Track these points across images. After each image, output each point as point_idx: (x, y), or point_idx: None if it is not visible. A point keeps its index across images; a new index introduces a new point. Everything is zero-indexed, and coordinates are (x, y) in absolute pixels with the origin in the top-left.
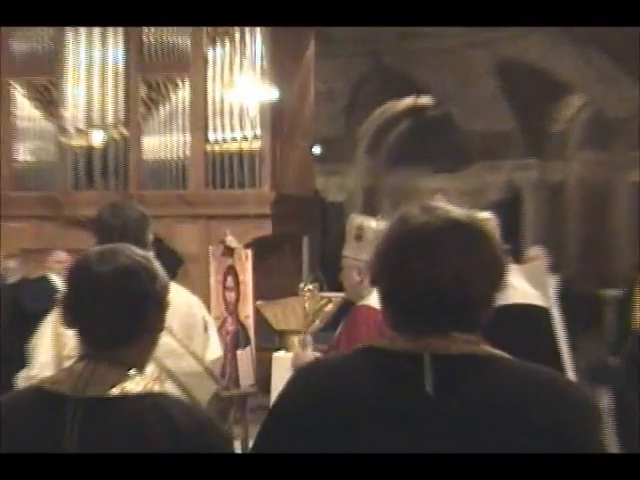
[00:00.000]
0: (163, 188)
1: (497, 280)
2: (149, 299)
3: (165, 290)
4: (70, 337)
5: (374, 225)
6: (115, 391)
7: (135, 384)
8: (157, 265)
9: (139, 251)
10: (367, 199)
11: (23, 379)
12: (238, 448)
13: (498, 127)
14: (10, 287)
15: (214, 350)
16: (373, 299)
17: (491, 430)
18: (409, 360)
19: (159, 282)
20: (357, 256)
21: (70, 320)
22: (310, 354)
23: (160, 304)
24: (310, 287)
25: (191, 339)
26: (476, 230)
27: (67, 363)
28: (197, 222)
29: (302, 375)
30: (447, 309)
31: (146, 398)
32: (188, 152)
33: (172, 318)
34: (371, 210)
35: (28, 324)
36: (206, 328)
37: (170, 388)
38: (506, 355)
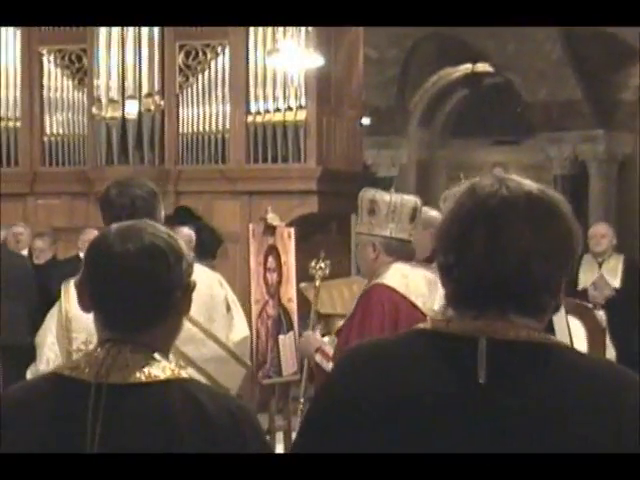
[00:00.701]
0: (201, 163)
1: (566, 263)
2: (175, 279)
3: (190, 269)
4: (80, 330)
5: (387, 198)
6: (140, 377)
7: (161, 370)
8: (182, 243)
9: (163, 228)
10: (420, 174)
11: (31, 374)
12: (280, 441)
13: (562, 96)
14: (39, 268)
15: (240, 330)
16: (389, 277)
17: (548, 424)
18: (464, 344)
19: (185, 261)
20: (371, 231)
21: (90, 303)
22: (319, 337)
23: (187, 284)
24: (322, 265)
25: (212, 322)
26: (549, 206)
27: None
28: (238, 199)
29: (349, 361)
30: (508, 289)
31: (173, 384)
32: (228, 124)
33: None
34: (425, 185)
35: None
36: (229, 308)
37: (192, 375)
38: (568, 345)
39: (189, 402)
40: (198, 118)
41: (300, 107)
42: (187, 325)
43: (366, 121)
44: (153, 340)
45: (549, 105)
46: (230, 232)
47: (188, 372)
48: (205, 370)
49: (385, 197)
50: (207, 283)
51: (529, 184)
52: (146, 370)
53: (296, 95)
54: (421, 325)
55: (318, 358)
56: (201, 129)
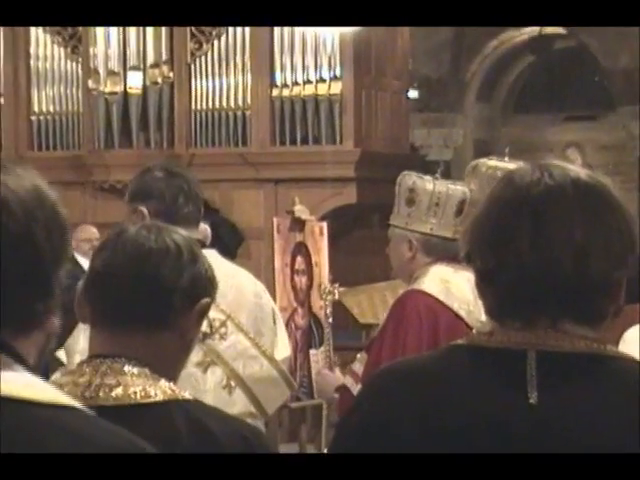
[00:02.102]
0: (218, 145)
1: (626, 259)
2: (175, 290)
3: (200, 281)
4: (265, 338)
5: (430, 187)
6: (134, 397)
7: (159, 389)
8: (196, 249)
9: (181, 231)
10: (480, 157)
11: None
12: None
13: None
14: None
15: (283, 349)
16: (427, 282)
17: (610, 451)
18: (510, 359)
19: (195, 269)
20: (408, 225)
21: (86, 312)
22: (339, 376)
23: (194, 298)
24: (330, 289)
25: (261, 336)
26: (601, 193)
27: None
28: (261, 188)
29: (379, 383)
30: (561, 293)
31: (173, 405)
32: (249, 99)
33: (240, 311)
34: None
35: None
36: (275, 321)
37: (238, 397)
38: (636, 358)
39: (194, 427)
40: (213, 92)
41: (335, 78)
42: (240, 337)
43: (414, 94)
44: (151, 356)
45: (632, 73)
46: (252, 227)
47: (235, 394)
48: (252, 391)
49: (428, 185)
50: (253, 289)
51: (574, 169)
52: (140, 389)
53: (330, 64)
54: (459, 341)
55: (348, 381)
56: (217, 105)
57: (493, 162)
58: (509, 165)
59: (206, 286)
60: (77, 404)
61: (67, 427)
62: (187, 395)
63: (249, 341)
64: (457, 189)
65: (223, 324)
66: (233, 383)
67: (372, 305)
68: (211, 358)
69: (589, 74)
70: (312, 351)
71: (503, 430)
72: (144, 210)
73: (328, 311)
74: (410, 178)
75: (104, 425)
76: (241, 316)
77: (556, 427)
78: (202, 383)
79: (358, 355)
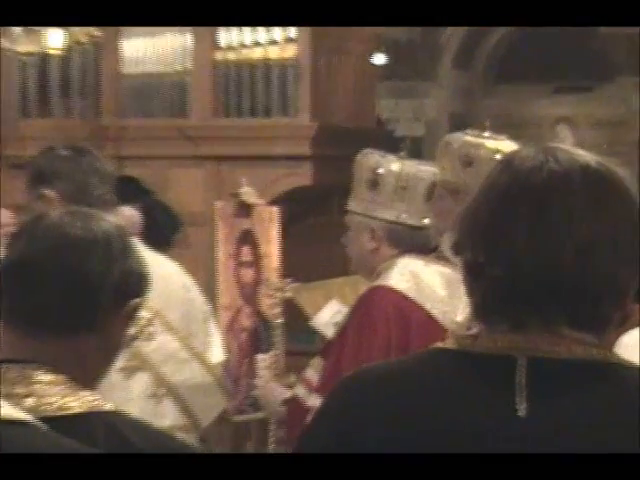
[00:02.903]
0: (152, 116)
1: (633, 257)
2: (103, 287)
3: (132, 278)
4: (196, 339)
5: (396, 168)
6: (46, 408)
7: (77, 399)
8: (127, 239)
9: (110, 218)
10: (456, 132)
11: None
12: None
13: None
14: None
15: (217, 351)
16: (395, 277)
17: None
18: (498, 366)
19: (126, 264)
20: (371, 212)
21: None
22: (283, 389)
23: (123, 297)
24: (279, 284)
25: (192, 336)
26: (613, 183)
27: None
28: (201, 166)
29: (349, 391)
30: (561, 291)
31: (94, 418)
32: (189, 63)
33: (170, 308)
34: None
35: None
36: (205, 320)
37: (167, 408)
38: None
39: (115, 441)
40: (147, 54)
41: (289, 40)
42: (168, 338)
43: (380, 60)
44: (70, 361)
45: (634, 39)
46: (191, 212)
47: (164, 403)
48: (183, 400)
49: (393, 165)
50: (181, 281)
51: (584, 154)
52: (55, 400)
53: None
54: (439, 344)
55: (299, 391)
56: (151, 69)
57: (470, 137)
58: (488, 142)
59: (138, 283)
60: (30, 418)
61: (16, 442)
62: (110, 406)
63: (179, 342)
64: (427, 170)
65: (150, 322)
66: (161, 391)
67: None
68: (136, 362)
69: (583, 39)
70: (259, 356)
71: (487, 445)
72: (51, 194)
73: (277, 310)
74: (372, 157)
75: (54, 439)
76: (170, 313)
77: (547, 443)
78: (125, 391)
79: (311, 361)
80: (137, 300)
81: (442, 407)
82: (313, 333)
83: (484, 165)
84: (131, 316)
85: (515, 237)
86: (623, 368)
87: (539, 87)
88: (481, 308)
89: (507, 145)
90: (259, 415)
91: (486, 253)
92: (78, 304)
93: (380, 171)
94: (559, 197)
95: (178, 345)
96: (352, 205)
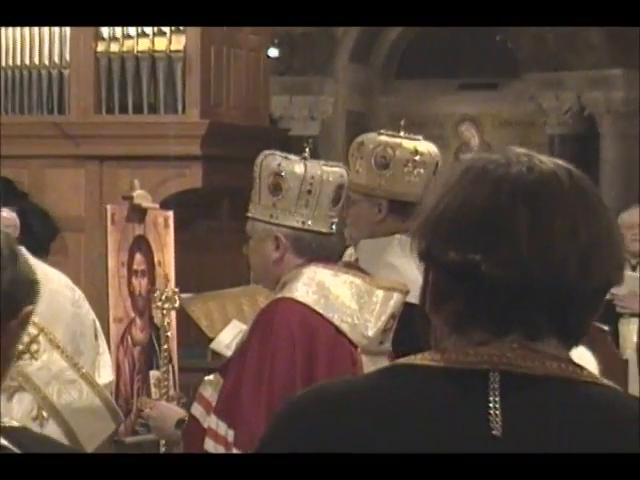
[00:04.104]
0: (27, 112)
1: (611, 265)
2: None
3: (22, 285)
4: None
5: (300, 170)
6: None
7: None
8: (14, 244)
9: None
10: (352, 131)
11: None
12: None
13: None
14: None
15: (106, 371)
16: (301, 289)
17: None
18: (469, 381)
19: (15, 270)
20: (274, 218)
21: None
22: (177, 409)
23: (14, 306)
24: (168, 293)
25: (80, 354)
26: (593, 189)
27: None
28: (82, 167)
29: (296, 414)
30: (534, 303)
31: None
32: (67, 54)
33: (55, 323)
34: None
35: None
36: (96, 336)
37: (51, 431)
38: (611, 384)
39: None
40: (22, 45)
41: (176, 31)
42: (52, 357)
43: (274, 53)
44: None
45: (543, 33)
46: (71, 216)
47: (48, 427)
48: (68, 423)
49: (297, 168)
50: (70, 296)
51: (545, 158)
52: None
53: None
54: (402, 360)
55: (197, 410)
56: (27, 61)
57: (385, 137)
58: (405, 142)
59: (29, 291)
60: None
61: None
62: (14, 422)
63: (66, 361)
64: (334, 172)
65: (34, 340)
66: (45, 413)
67: (224, 316)
68: (18, 382)
69: (490, 32)
70: (153, 372)
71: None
72: None
73: (167, 322)
74: (273, 159)
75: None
76: (56, 330)
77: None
78: (6, 413)
79: (208, 378)
80: (30, 307)
81: (410, 428)
82: (206, 347)
83: (401, 166)
84: (24, 326)
85: (484, 242)
86: (597, 386)
87: (441, 84)
88: (458, 315)
89: (425, 145)
90: (152, 437)
91: (453, 261)
92: None
93: (283, 174)
94: (555, 199)
95: (64, 364)
96: (253, 211)
